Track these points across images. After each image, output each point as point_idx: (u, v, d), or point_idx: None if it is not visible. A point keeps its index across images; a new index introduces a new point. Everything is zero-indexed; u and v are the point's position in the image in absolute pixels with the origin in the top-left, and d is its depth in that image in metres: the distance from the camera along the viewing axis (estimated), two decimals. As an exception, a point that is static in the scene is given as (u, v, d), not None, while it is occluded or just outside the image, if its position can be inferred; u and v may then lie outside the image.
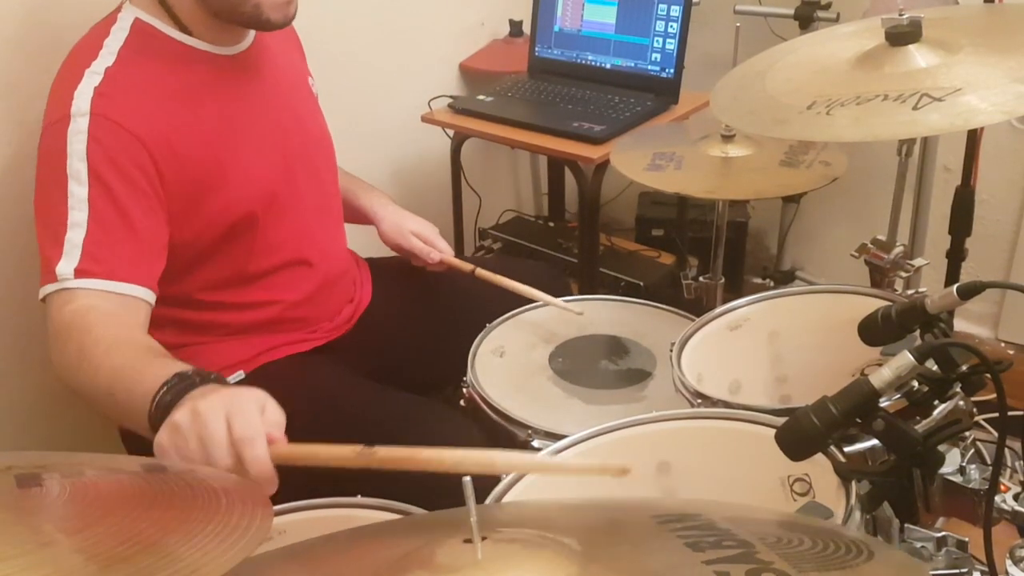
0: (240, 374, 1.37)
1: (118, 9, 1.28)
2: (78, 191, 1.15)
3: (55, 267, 1.12)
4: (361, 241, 1.64)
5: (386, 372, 1.52)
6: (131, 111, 1.19)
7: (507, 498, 0.96)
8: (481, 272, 1.58)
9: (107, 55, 1.22)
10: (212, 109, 1.28)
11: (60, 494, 0.66)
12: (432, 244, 1.59)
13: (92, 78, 1.19)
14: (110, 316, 1.11)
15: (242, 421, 0.89)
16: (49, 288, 1.13)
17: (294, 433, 1.28)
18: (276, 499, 1.03)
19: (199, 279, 1.33)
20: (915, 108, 1.04)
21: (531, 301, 1.54)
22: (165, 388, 0.96)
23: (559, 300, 1.53)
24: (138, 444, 1.38)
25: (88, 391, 1.07)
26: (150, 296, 1.18)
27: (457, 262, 1.61)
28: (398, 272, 1.65)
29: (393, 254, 1.65)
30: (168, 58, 1.26)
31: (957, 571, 0.84)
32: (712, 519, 0.66)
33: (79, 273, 1.12)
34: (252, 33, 1.37)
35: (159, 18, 1.26)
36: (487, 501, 0.95)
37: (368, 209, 1.62)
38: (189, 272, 1.31)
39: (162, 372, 0.98)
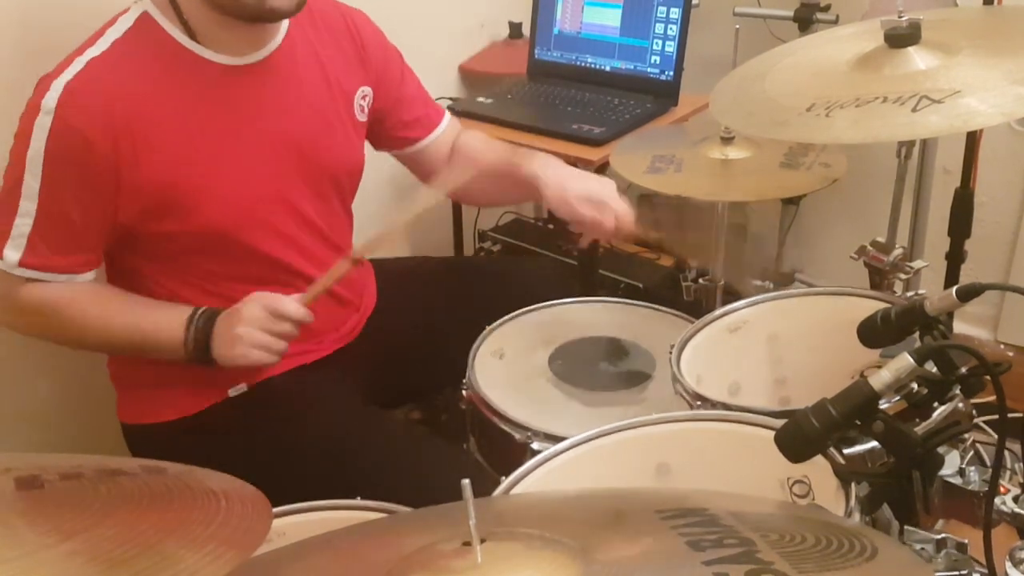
0: (243, 387, 1.36)
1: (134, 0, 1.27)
2: (31, 183, 1.20)
3: (2, 247, 1.23)
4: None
5: (390, 378, 1.52)
6: (96, 112, 1.19)
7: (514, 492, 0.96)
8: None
9: (102, 43, 1.22)
10: (200, 118, 1.25)
11: (59, 496, 0.66)
12: (605, 206, 1.36)
13: (74, 67, 1.20)
14: (65, 287, 1.27)
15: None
16: None
17: (289, 457, 1.30)
18: (275, 502, 1.04)
19: (199, 268, 1.32)
20: (914, 110, 1.04)
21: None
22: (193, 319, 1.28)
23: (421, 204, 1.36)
24: (141, 443, 1.39)
25: (98, 337, 1.31)
26: (93, 274, 1.30)
27: (633, 227, 1.38)
28: (401, 274, 1.64)
29: (395, 255, 1.63)
30: (163, 58, 1.24)
31: (957, 573, 0.84)
32: (716, 514, 0.66)
33: (24, 264, 1.24)
34: (275, 42, 1.32)
35: (167, 17, 1.24)
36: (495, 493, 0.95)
37: (531, 177, 1.40)
38: (191, 256, 1.31)
39: (174, 311, 1.29)
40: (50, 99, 1.18)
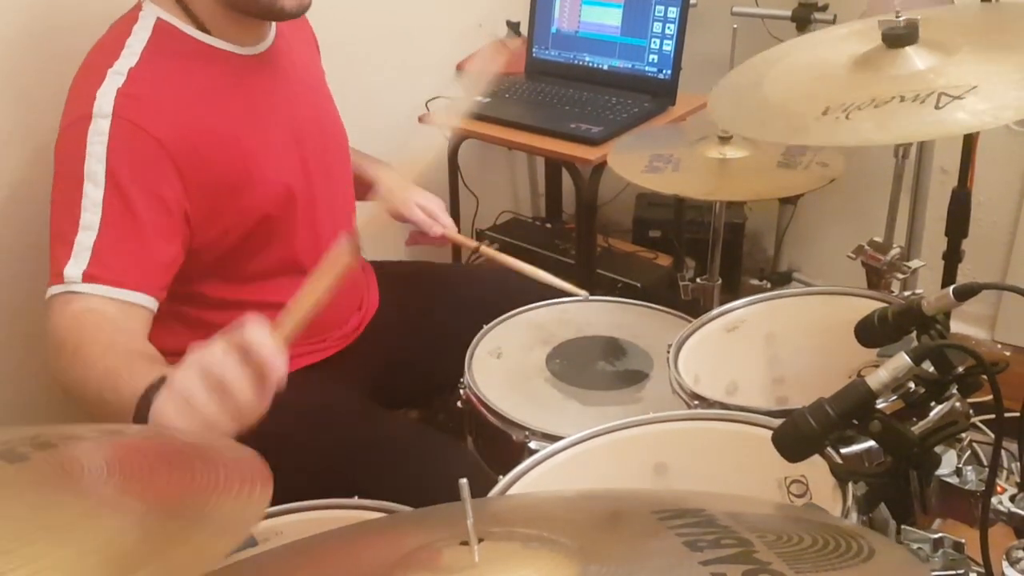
0: None
1: (138, 8, 1.27)
2: (93, 193, 1.14)
3: (63, 268, 1.11)
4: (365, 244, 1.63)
5: (390, 380, 1.52)
6: (154, 114, 1.18)
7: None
8: (486, 249, 1.57)
9: (130, 55, 1.21)
10: (235, 110, 1.28)
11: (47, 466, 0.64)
12: (435, 218, 1.58)
13: (115, 78, 1.18)
14: (110, 320, 1.11)
15: (233, 334, 0.90)
16: (55, 290, 1.12)
17: (295, 453, 1.30)
18: (277, 498, 1.04)
19: (214, 280, 1.32)
20: (937, 107, 1.03)
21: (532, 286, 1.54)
22: (151, 388, 0.94)
23: (561, 281, 1.52)
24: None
25: (79, 390, 1.06)
26: (154, 304, 1.16)
27: (461, 238, 1.61)
28: (401, 276, 1.65)
29: (397, 258, 1.63)
30: (191, 58, 1.25)
31: (954, 572, 0.84)
32: (713, 514, 0.66)
33: (87, 277, 1.11)
34: (272, 33, 1.36)
35: (179, 18, 1.25)
36: (490, 495, 0.96)
37: (374, 177, 1.58)
38: (204, 273, 1.30)
39: (150, 375, 0.96)
40: (103, 105, 1.15)
